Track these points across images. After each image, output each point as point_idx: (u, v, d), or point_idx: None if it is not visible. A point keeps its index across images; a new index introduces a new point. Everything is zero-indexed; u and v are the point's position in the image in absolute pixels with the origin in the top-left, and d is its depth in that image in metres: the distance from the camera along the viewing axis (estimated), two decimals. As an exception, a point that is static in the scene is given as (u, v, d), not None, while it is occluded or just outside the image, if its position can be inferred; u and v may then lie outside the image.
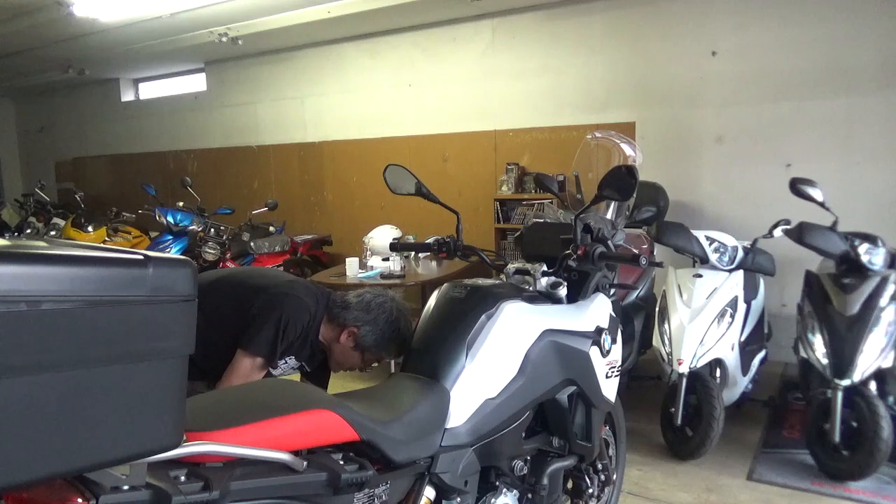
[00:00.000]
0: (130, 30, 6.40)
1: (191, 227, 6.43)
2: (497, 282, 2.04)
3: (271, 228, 6.68)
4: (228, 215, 6.49)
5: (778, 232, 3.74)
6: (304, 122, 7.56)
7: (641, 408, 3.77)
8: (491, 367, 1.76)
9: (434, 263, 5.39)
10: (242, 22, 6.23)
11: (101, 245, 1.28)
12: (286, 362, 2.24)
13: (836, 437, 3.05)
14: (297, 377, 2.44)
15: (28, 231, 7.89)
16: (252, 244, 6.17)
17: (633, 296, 4.11)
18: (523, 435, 1.93)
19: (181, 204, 6.73)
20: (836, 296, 3.32)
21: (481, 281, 1.97)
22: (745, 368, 3.69)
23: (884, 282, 3.27)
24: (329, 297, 2.24)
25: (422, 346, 1.85)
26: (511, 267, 2.13)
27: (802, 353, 3.38)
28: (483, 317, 1.81)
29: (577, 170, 2.62)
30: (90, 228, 7.28)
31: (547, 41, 5.91)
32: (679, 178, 5.22)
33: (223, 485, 1.15)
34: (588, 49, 5.71)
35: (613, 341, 2.11)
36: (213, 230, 6.49)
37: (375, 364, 2.26)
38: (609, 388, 2.11)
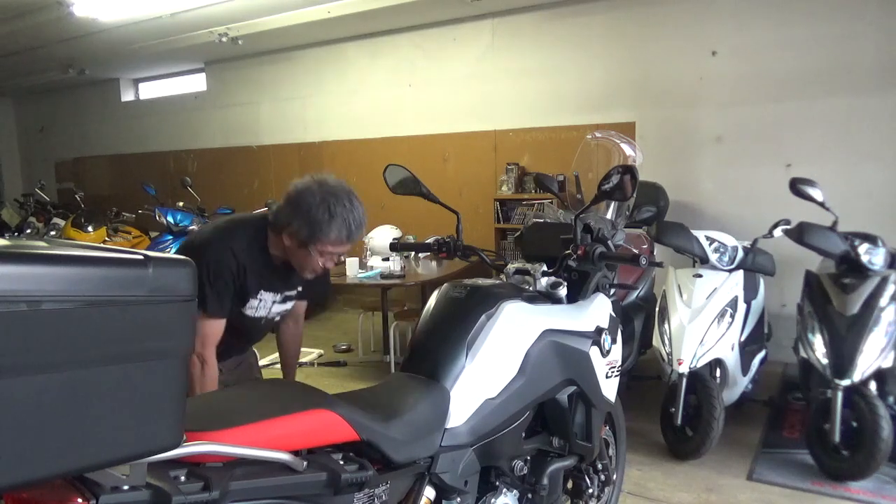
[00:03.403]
0: (130, 30, 6.40)
1: (191, 227, 6.42)
2: (497, 282, 2.04)
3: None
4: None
5: (778, 232, 3.74)
6: (305, 122, 7.56)
7: (641, 408, 3.77)
8: (491, 367, 1.76)
9: (434, 263, 5.40)
10: (242, 22, 6.23)
11: (101, 245, 1.28)
12: (261, 300, 2.15)
13: (836, 437, 3.05)
14: (303, 307, 2.42)
15: (28, 231, 7.88)
16: (252, 244, 6.15)
17: (633, 296, 4.11)
18: (523, 435, 1.93)
19: (181, 204, 6.73)
20: (836, 296, 3.32)
21: (481, 281, 1.97)
22: (745, 368, 3.69)
23: (884, 282, 3.27)
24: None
25: (422, 346, 1.85)
26: (511, 267, 2.13)
27: (802, 353, 3.38)
28: (483, 317, 1.81)
29: (577, 170, 2.62)
30: (90, 228, 7.27)
31: (547, 41, 5.91)
32: (679, 178, 5.22)
33: (223, 485, 1.15)
34: (588, 49, 5.71)
35: (613, 341, 2.11)
36: (213, 230, 6.47)
37: (340, 257, 2.10)
38: (609, 388, 2.11)
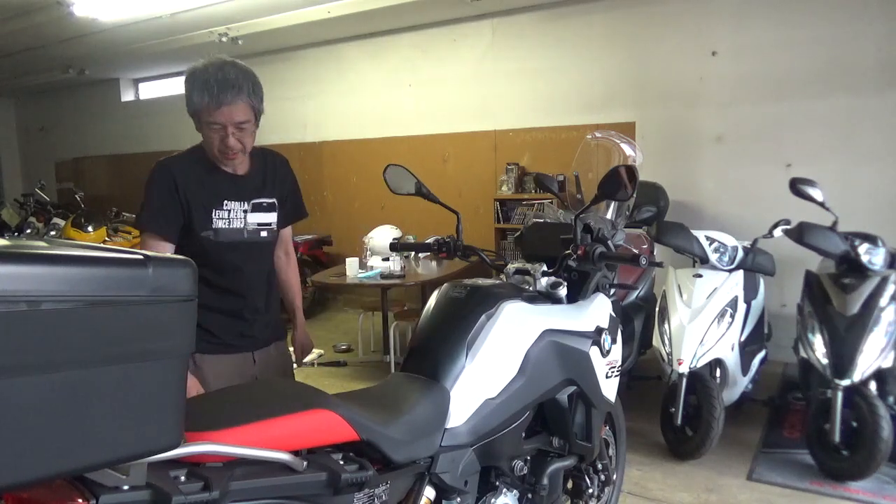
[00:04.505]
0: (130, 30, 6.40)
1: (191, 227, 6.42)
2: (497, 282, 2.04)
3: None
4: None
5: (778, 232, 3.74)
6: (304, 122, 7.56)
7: (641, 408, 3.77)
8: (491, 367, 1.76)
9: (434, 263, 5.40)
10: (242, 22, 6.23)
11: (101, 245, 1.28)
12: (229, 210, 2.05)
13: (836, 437, 3.05)
14: (288, 235, 2.33)
15: (28, 231, 7.88)
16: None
17: (633, 296, 4.11)
18: (523, 435, 1.93)
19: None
20: (836, 296, 3.32)
21: (481, 281, 1.97)
22: (745, 368, 3.69)
23: (884, 282, 3.27)
24: None
25: (422, 346, 1.85)
26: (511, 267, 2.13)
27: (802, 353, 3.38)
28: (483, 317, 1.81)
29: (577, 170, 2.62)
30: (90, 228, 7.27)
31: (547, 41, 5.91)
32: (679, 178, 5.22)
33: (223, 485, 1.15)
34: (588, 49, 5.71)
35: (613, 341, 2.11)
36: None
37: (236, 129, 1.95)
38: (609, 388, 2.11)
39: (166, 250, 1.97)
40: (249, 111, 1.96)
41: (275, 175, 2.19)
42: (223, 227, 2.04)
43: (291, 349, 2.48)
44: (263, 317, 2.18)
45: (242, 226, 2.08)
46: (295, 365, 2.47)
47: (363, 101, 7.09)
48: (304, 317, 2.52)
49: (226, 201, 2.05)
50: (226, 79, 1.91)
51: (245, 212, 2.08)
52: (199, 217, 2.01)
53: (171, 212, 1.99)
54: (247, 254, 2.11)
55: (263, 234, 2.13)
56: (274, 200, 2.16)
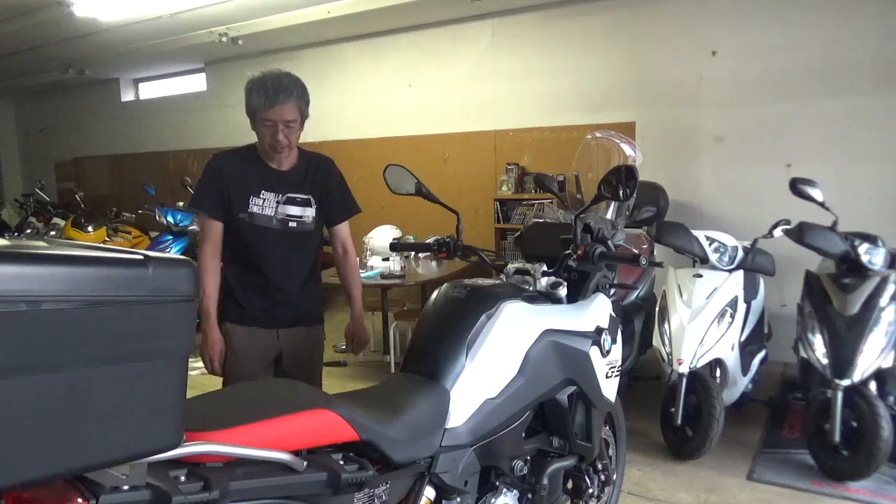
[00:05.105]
0: (130, 30, 6.40)
1: (191, 227, 6.43)
2: (497, 282, 2.04)
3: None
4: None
5: (778, 232, 3.73)
6: (304, 122, 7.55)
7: (641, 408, 3.76)
8: (491, 367, 1.76)
9: (434, 263, 5.40)
10: (242, 22, 6.23)
11: (101, 245, 1.28)
12: (264, 200, 2.35)
13: (836, 437, 3.05)
14: (344, 232, 2.55)
15: (28, 231, 7.89)
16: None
17: (633, 296, 4.10)
18: (523, 435, 1.93)
19: (181, 204, 6.73)
20: (836, 296, 3.32)
21: (481, 281, 1.97)
22: (745, 368, 3.69)
23: (884, 282, 3.27)
24: None
25: (422, 346, 1.85)
26: (511, 267, 2.13)
27: (802, 353, 3.38)
28: (483, 317, 1.81)
29: (577, 170, 2.62)
30: (90, 228, 7.28)
31: (547, 41, 5.91)
32: (679, 178, 5.21)
33: (223, 485, 1.15)
34: (588, 49, 5.71)
35: (613, 341, 2.11)
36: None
37: (287, 126, 2.29)
38: (609, 388, 2.11)
39: (213, 226, 2.37)
40: (297, 112, 2.30)
41: (316, 174, 2.45)
42: (257, 211, 2.35)
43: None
44: (288, 298, 2.42)
45: (273, 214, 2.37)
46: (344, 355, 2.75)
47: (363, 101, 7.09)
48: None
49: (263, 191, 2.36)
50: (280, 83, 2.27)
51: (278, 202, 2.38)
52: (237, 200, 2.34)
53: (214, 193, 2.36)
54: (273, 238, 2.38)
55: (292, 224, 2.40)
56: (309, 197, 2.42)
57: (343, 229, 2.56)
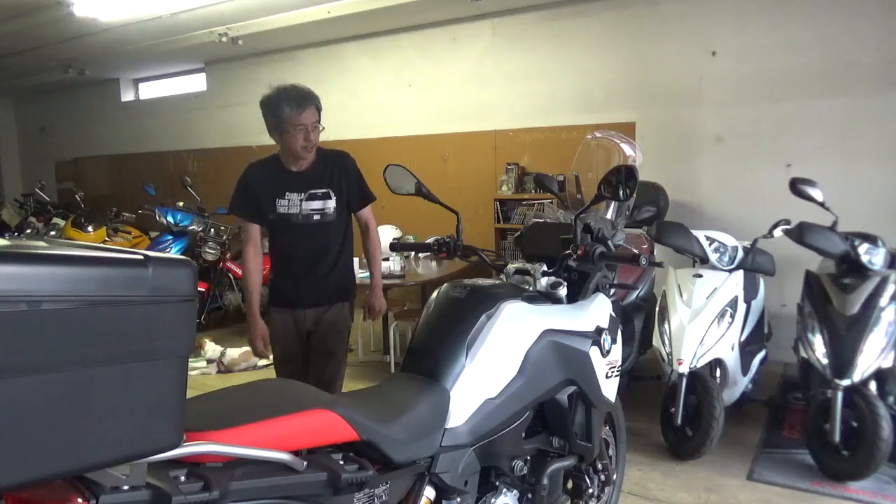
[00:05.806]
0: (130, 30, 6.40)
1: (191, 227, 6.43)
2: (497, 282, 2.04)
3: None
4: (228, 215, 6.48)
5: (778, 232, 3.73)
6: (304, 122, 7.54)
7: (641, 408, 3.77)
8: (491, 367, 1.76)
9: (434, 263, 5.39)
10: (242, 22, 6.23)
11: (101, 245, 1.28)
12: (289, 200, 2.68)
13: (836, 437, 3.05)
14: (367, 216, 2.94)
15: (28, 231, 7.89)
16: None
17: (633, 296, 4.10)
18: (523, 435, 1.93)
19: (181, 204, 6.73)
20: (836, 296, 3.32)
21: (481, 281, 1.97)
22: (745, 368, 3.69)
23: (884, 282, 3.27)
24: None
25: (422, 346, 1.85)
26: (511, 267, 2.13)
27: (802, 353, 3.38)
28: (483, 317, 1.81)
29: (577, 170, 2.62)
30: (90, 228, 7.28)
31: (547, 41, 5.91)
32: (679, 178, 5.22)
33: (223, 485, 1.15)
34: (588, 49, 5.71)
35: (613, 341, 2.11)
36: (213, 230, 6.50)
37: (315, 126, 2.63)
38: (609, 388, 2.11)
39: (251, 227, 2.76)
40: (317, 114, 2.65)
41: (333, 169, 2.76)
42: (283, 211, 2.70)
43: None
44: (314, 282, 2.75)
45: (298, 211, 2.70)
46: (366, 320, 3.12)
47: (363, 101, 7.09)
48: None
49: (287, 192, 2.69)
50: (300, 92, 2.59)
51: (301, 200, 2.70)
52: (266, 203, 2.70)
53: (245, 199, 2.74)
54: (299, 231, 2.71)
55: (316, 217, 2.72)
56: (328, 190, 2.73)
57: (365, 212, 2.92)
